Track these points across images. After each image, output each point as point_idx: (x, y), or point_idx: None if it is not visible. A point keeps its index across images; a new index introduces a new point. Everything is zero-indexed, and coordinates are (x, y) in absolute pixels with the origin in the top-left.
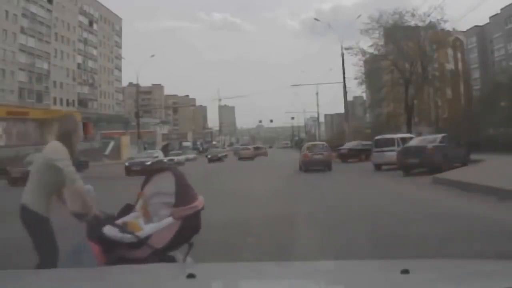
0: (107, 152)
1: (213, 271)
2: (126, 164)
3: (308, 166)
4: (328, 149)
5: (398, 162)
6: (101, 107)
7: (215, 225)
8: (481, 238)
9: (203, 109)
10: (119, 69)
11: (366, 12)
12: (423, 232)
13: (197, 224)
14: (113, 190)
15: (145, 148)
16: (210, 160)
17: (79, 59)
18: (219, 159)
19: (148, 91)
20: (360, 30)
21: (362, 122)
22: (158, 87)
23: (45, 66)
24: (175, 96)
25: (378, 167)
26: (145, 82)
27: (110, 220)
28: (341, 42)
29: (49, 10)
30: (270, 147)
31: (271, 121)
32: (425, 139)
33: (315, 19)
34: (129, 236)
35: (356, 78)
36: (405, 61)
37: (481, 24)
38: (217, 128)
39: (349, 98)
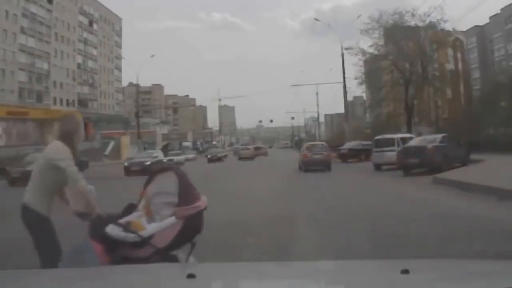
0: (107, 152)
1: (213, 271)
2: (125, 164)
3: (307, 166)
4: (327, 149)
5: (398, 162)
6: (101, 107)
7: (215, 225)
8: (481, 238)
9: (203, 109)
10: (119, 69)
11: (366, 12)
12: (423, 232)
13: (200, 224)
14: (113, 190)
15: (145, 148)
16: (210, 160)
17: (79, 59)
18: (218, 159)
19: (148, 91)
20: (360, 30)
21: (362, 122)
22: (158, 87)
23: (45, 66)
24: (175, 96)
25: (378, 167)
26: (145, 82)
27: (113, 219)
28: (341, 42)
29: (49, 10)
30: (270, 147)
31: (271, 121)
32: (425, 139)
33: (315, 19)
34: (132, 235)
35: (356, 78)
36: (405, 61)
37: (481, 24)
38: (217, 128)
39: (349, 98)
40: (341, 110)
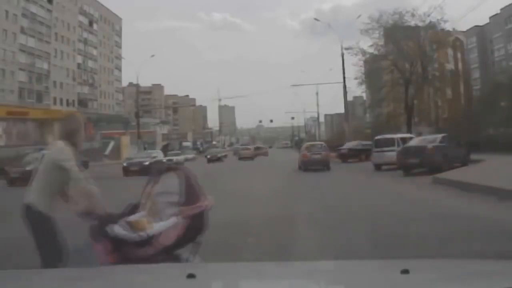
0: (107, 152)
1: (213, 271)
2: (124, 164)
3: (307, 166)
4: (326, 149)
5: (398, 162)
6: (101, 107)
7: (215, 225)
8: (481, 238)
9: (203, 109)
10: (119, 69)
11: (366, 12)
12: (423, 232)
13: (204, 224)
14: (112, 190)
15: (145, 148)
16: (210, 160)
17: (79, 59)
18: (218, 159)
19: (148, 91)
20: (360, 30)
21: (362, 122)
22: (158, 87)
23: (45, 66)
24: (175, 96)
25: (378, 167)
26: (145, 82)
27: (117, 219)
28: (341, 42)
29: (49, 10)
30: (270, 147)
31: (271, 121)
32: (425, 139)
33: (315, 19)
34: (136, 235)
35: (356, 78)
36: (405, 61)
37: (481, 24)
38: (217, 128)
39: (349, 98)
40: (341, 110)
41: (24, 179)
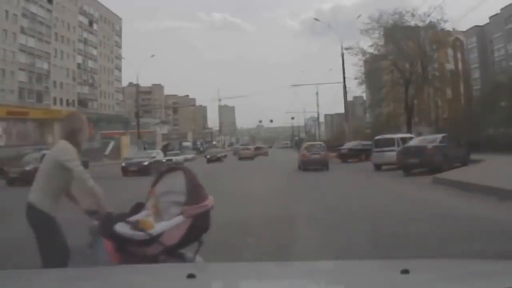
0: (107, 152)
1: (213, 271)
2: (123, 164)
3: (306, 166)
4: (325, 149)
5: (398, 162)
6: (101, 107)
7: (215, 225)
8: (481, 238)
9: (203, 109)
10: (119, 69)
11: (366, 12)
12: (423, 232)
13: (207, 223)
14: (111, 190)
15: (145, 148)
16: (209, 161)
17: (79, 59)
18: (218, 159)
19: (148, 91)
20: (360, 30)
21: (362, 122)
22: (158, 87)
23: (45, 66)
24: (175, 96)
25: (378, 167)
26: (145, 82)
27: (122, 218)
28: (341, 42)
29: (49, 10)
30: (270, 147)
31: (271, 121)
32: (425, 139)
33: (315, 19)
34: (141, 233)
35: (356, 78)
36: (405, 61)
37: (481, 24)
38: (217, 128)
39: (349, 98)
40: (341, 110)
41: (23, 179)
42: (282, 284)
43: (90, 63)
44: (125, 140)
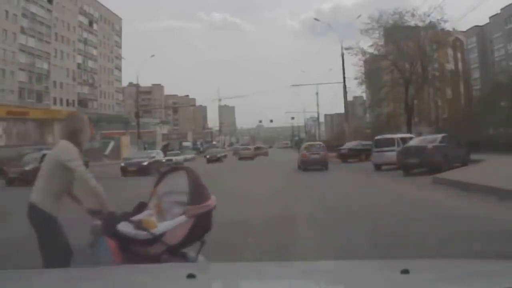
0: (107, 152)
1: (213, 271)
2: (122, 164)
3: (306, 165)
4: (324, 149)
5: (398, 162)
6: (101, 107)
7: (215, 225)
8: (481, 238)
9: (203, 109)
10: (119, 69)
11: (366, 12)
12: (423, 232)
13: (209, 223)
14: (110, 190)
15: (145, 148)
16: (209, 161)
17: (79, 59)
18: (218, 159)
19: (148, 91)
20: (360, 30)
21: (362, 122)
22: (158, 87)
23: (45, 66)
24: (175, 96)
25: (378, 167)
26: (145, 82)
27: (125, 217)
28: (341, 42)
29: (49, 10)
30: (270, 147)
31: (271, 121)
32: (425, 139)
33: (315, 19)
34: (144, 233)
35: (356, 78)
36: (405, 61)
37: (481, 24)
38: (217, 128)
39: (349, 98)
40: (341, 110)
41: (22, 179)
42: (282, 284)
43: (90, 63)
44: (125, 140)
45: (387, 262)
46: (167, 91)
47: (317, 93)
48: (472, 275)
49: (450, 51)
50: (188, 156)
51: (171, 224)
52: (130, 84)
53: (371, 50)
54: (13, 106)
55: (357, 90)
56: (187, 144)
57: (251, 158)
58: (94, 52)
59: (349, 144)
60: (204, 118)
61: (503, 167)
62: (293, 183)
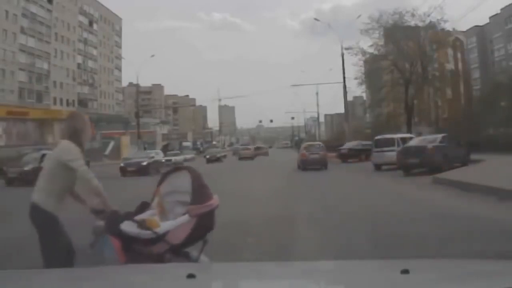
0: (107, 152)
1: (213, 271)
2: (122, 164)
3: (305, 165)
4: (324, 149)
5: (398, 162)
6: (101, 107)
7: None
8: (481, 238)
9: (203, 109)
10: (119, 69)
11: (366, 12)
12: (423, 232)
13: (212, 222)
14: (111, 190)
15: (145, 148)
16: (209, 161)
17: (79, 59)
18: (217, 159)
19: (148, 91)
20: (360, 30)
21: (362, 122)
22: (158, 87)
23: (45, 66)
24: (175, 96)
25: (378, 167)
26: (145, 82)
27: (128, 217)
28: (341, 42)
29: (49, 10)
30: (270, 147)
31: (271, 121)
32: (425, 139)
33: (315, 19)
34: (148, 232)
35: (356, 78)
36: (405, 61)
37: (481, 24)
38: (217, 128)
39: (349, 98)
40: (341, 110)
41: (22, 179)
42: (282, 284)
43: (90, 63)
44: (125, 140)
45: (387, 262)
46: (167, 91)
47: (317, 93)
48: (472, 275)
49: (450, 51)
50: (188, 156)
51: (174, 223)
52: (130, 84)
53: (371, 50)
54: (13, 106)
55: (357, 90)
56: (187, 144)
57: (251, 158)
58: (94, 52)
59: (349, 144)
60: (204, 118)
61: (503, 167)
62: (293, 183)
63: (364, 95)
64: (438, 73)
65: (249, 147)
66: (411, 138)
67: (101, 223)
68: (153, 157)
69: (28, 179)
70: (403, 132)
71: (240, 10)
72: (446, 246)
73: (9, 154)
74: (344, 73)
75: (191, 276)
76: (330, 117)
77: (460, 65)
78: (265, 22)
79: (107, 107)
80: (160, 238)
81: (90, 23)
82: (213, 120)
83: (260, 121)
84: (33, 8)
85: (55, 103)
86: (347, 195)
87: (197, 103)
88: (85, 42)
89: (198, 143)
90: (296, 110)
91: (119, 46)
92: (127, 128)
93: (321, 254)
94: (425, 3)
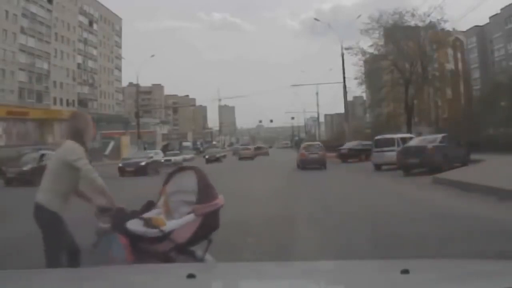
0: (107, 152)
1: (213, 271)
2: (120, 164)
3: (305, 165)
4: (323, 149)
5: (398, 162)
6: (101, 107)
7: None
8: (481, 238)
9: (203, 109)
10: (119, 69)
11: (366, 12)
12: (423, 232)
13: (216, 222)
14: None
15: (145, 148)
16: (208, 161)
17: (79, 59)
18: (217, 159)
19: (148, 91)
20: (360, 30)
21: (362, 122)
22: (158, 87)
23: (45, 66)
24: (175, 96)
25: (378, 167)
26: (145, 82)
27: (134, 215)
28: (341, 42)
29: (49, 10)
30: (270, 147)
31: (271, 121)
32: (425, 139)
33: (315, 19)
34: (154, 230)
35: (356, 78)
36: (405, 61)
37: (481, 24)
38: (217, 128)
39: (349, 98)
40: (341, 110)
41: (20, 179)
42: (282, 284)
43: (90, 63)
44: (125, 140)
45: (387, 262)
46: (167, 91)
47: (317, 93)
48: (472, 275)
49: (450, 51)
50: (187, 156)
51: (179, 222)
52: (130, 84)
53: (371, 50)
54: (13, 106)
55: (357, 90)
56: (187, 144)
57: (251, 158)
58: (94, 52)
59: (349, 144)
60: (204, 118)
61: (503, 167)
62: (293, 183)
63: (364, 95)
64: (438, 73)
65: (249, 147)
66: (411, 138)
67: (105, 224)
68: (151, 157)
69: (26, 179)
70: (403, 132)
71: (240, 10)
72: (446, 246)
73: (8, 154)
74: (344, 73)
75: (191, 276)
76: (330, 117)
77: (460, 65)
78: (265, 22)
79: (107, 107)
80: (166, 236)
81: (90, 23)
82: (213, 120)
83: (260, 121)
84: (33, 8)
85: (55, 103)
86: (347, 195)
87: (197, 103)
88: (85, 42)
89: (198, 143)
90: (296, 110)
91: (119, 46)
92: (127, 128)
93: (321, 254)
94: (425, 3)
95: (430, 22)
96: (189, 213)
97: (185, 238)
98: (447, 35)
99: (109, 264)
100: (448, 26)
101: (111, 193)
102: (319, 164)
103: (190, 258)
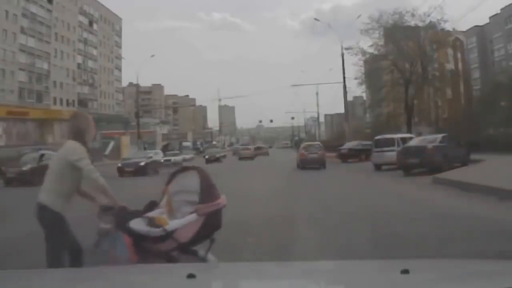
0: (107, 152)
1: (213, 271)
2: (119, 164)
3: (304, 164)
4: (322, 149)
5: (398, 162)
6: (101, 107)
7: None
8: (481, 238)
9: (203, 109)
10: (119, 69)
11: (366, 12)
12: (423, 232)
13: (219, 221)
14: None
15: (145, 148)
16: (208, 161)
17: (79, 59)
18: (216, 159)
19: (148, 91)
20: (360, 30)
21: (362, 122)
22: (158, 87)
23: (45, 66)
24: (175, 96)
25: (378, 167)
26: (145, 82)
27: (137, 214)
28: (341, 42)
29: (49, 10)
30: (270, 147)
31: (271, 121)
32: (425, 139)
33: (315, 19)
34: (157, 229)
35: (356, 78)
36: (405, 61)
37: (481, 24)
38: (217, 128)
39: (349, 98)
40: (341, 110)
41: (20, 179)
42: (282, 284)
43: (90, 63)
44: (125, 140)
45: (387, 262)
46: (167, 91)
47: (317, 93)
48: (472, 275)
49: (450, 51)
50: (187, 156)
51: (182, 222)
52: (130, 84)
53: (371, 50)
54: (13, 106)
55: (357, 90)
56: (187, 144)
57: (251, 158)
58: (94, 52)
59: (349, 144)
60: (204, 118)
61: (503, 167)
62: (293, 183)
63: (364, 95)
64: (438, 73)
65: (249, 147)
66: (411, 138)
67: (106, 224)
68: (151, 157)
69: (26, 179)
70: (403, 132)
71: (240, 10)
72: (446, 246)
73: (8, 154)
74: (344, 73)
75: (191, 276)
76: (330, 117)
77: (460, 65)
78: (265, 22)
79: (107, 107)
80: (168, 235)
81: (90, 23)
82: (213, 120)
83: (260, 121)
84: (33, 8)
85: (55, 103)
86: (347, 195)
87: (197, 103)
88: (85, 42)
89: (198, 143)
90: (296, 110)
91: (119, 46)
92: (127, 128)
93: (321, 254)
94: (425, 3)
95: (430, 22)
96: (191, 212)
97: (188, 238)
98: (447, 35)
99: (112, 264)
100: (448, 26)
101: (113, 192)
102: (319, 164)
103: (192, 258)
